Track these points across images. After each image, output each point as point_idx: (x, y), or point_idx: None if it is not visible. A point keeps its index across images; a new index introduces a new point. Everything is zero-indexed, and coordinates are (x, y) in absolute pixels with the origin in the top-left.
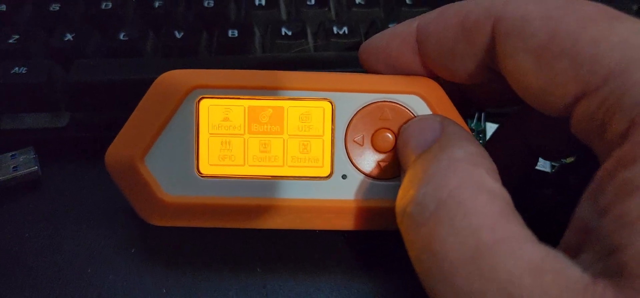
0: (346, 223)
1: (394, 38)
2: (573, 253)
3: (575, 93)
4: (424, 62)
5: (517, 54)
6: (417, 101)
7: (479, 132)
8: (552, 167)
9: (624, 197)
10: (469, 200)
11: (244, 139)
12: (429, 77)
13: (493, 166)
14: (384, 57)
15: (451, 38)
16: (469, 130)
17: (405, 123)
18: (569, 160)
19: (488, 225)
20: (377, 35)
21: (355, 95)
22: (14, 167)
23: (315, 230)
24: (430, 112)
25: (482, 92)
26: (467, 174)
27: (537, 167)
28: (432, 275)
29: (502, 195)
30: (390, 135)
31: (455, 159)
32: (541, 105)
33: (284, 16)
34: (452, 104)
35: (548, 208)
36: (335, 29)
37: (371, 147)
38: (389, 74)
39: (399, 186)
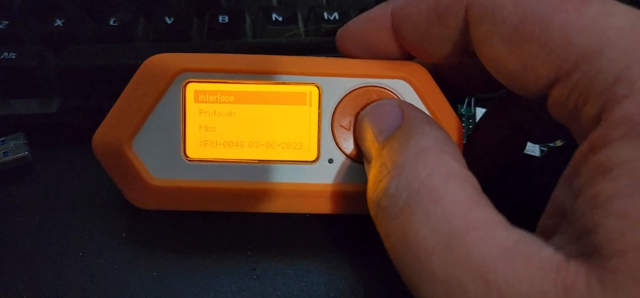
0: (333, 207)
1: (370, 23)
2: (549, 235)
3: (548, 78)
4: (401, 45)
5: (490, 39)
6: (403, 86)
7: (469, 117)
8: (542, 151)
9: (597, 179)
10: (440, 188)
11: (231, 122)
12: (407, 59)
13: (458, 150)
14: (361, 42)
15: (425, 22)
16: (455, 114)
17: (360, 103)
18: (558, 143)
19: (460, 211)
20: (353, 20)
21: (342, 79)
22: (4, 153)
23: (305, 213)
24: (417, 97)
25: (463, 77)
26: (436, 162)
27: (525, 151)
28: (409, 265)
29: (470, 180)
30: None
31: (423, 147)
32: (517, 89)
33: (274, 2)
34: (438, 89)
35: (536, 192)
36: (325, 15)
37: None
38: (367, 58)
39: None
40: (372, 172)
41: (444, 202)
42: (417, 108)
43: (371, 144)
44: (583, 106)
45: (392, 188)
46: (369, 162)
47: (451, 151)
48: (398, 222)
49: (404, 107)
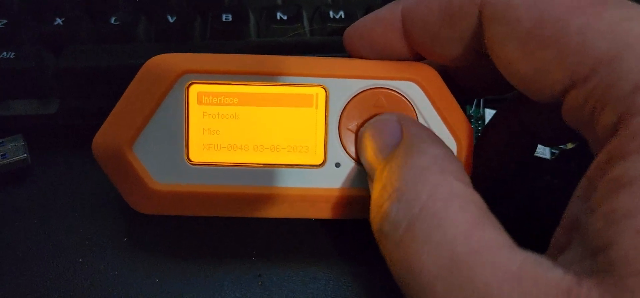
0: (340, 213)
1: (379, 23)
2: (561, 251)
3: (563, 83)
4: (411, 46)
5: (503, 41)
6: (413, 88)
7: (478, 119)
8: (552, 153)
9: (614, 193)
10: (440, 211)
11: (235, 125)
12: (415, 60)
13: (460, 167)
14: (369, 42)
15: (436, 23)
16: (466, 117)
17: (362, 125)
18: (570, 145)
19: (462, 235)
20: (362, 19)
21: (349, 81)
22: (2, 155)
23: (311, 219)
24: (427, 99)
25: (473, 78)
26: (436, 184)
27: (536, 154)
28: (413, 291)
29: (473, 200)
30: None
31: (423, 168)
32: (530, 93)
33: (279, 0)
34: (448, 90)
35: (546, 195)
36: (331, 14)
37: None
38: (375, 58)
39: None
40: (374, 195)
41: (445, 225)
42: (417, 123)
43: (372, 162)
44: (600, 114)
45: (393, 214)
46: (372, 180)
47: (453, 170)
48: (400, 248)
49: (403, 122)
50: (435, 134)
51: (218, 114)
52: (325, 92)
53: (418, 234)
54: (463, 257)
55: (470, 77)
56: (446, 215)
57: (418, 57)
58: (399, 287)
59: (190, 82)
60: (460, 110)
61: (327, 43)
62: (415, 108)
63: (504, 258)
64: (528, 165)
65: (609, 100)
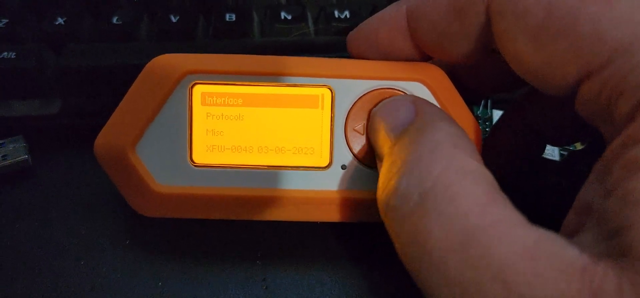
0: (346, 215)
1: (383, 23)
2: (574, 234)
3: (577, 74)
4: (417, 45)
5: (513, 34)
6: (420, 88)
7: (485, 120)
8: (561, 155)
9: (630, 176)
10: (454, 184)
11: (239, 126)
12: (422, 60)
13: (473, 146)
14: (374, 44)
15: (443, 20)
16: (473, 117)
17: (374, 106)
18: (579, 146)
19: (476, 209)
20: (365, 22)
21: (355, 82)
22: (3, 156)
23: (316, 222)
24: (434, 100)
25: (480, 77)
26: (450, 158)
27: (545, 155)
28: (422, 267)
29: (486, 177)
30: None
31: (436, 142)
32: (542, 86)
33: None
34: (456, 91)
35: (555, 195)
36: (336, 13)
37: None
38: (381, 60)
39: None
40: (383, 170)
41: (459, 199)
42: (430, 103)
43: (383, 141)
44: (616, 102)
45: (403, 186)
46: (381, 161)
47: (466, 147)
48: (410, 222)
49: (417, 102)
50: (448, 115)
51: (222, 115)
52: (331, 92)
53: (430, 208)
54: (478, 231)
55: (477, 76)
56: (460, 189)
57: (424, 57)
58: (406, 266)
59: (193, 83)
60: (468, 110)
61: (332, 43)
62: None
63: (520, 233)
64: (536, 165)
65: (625, 88)
